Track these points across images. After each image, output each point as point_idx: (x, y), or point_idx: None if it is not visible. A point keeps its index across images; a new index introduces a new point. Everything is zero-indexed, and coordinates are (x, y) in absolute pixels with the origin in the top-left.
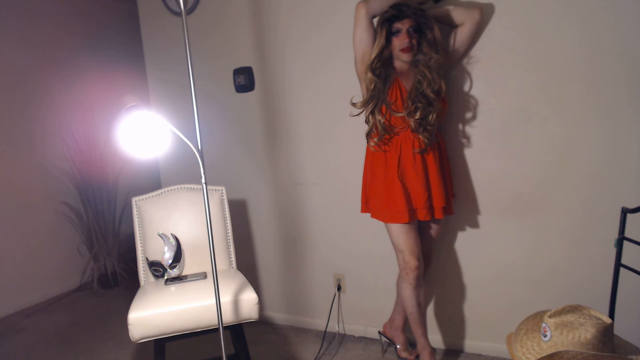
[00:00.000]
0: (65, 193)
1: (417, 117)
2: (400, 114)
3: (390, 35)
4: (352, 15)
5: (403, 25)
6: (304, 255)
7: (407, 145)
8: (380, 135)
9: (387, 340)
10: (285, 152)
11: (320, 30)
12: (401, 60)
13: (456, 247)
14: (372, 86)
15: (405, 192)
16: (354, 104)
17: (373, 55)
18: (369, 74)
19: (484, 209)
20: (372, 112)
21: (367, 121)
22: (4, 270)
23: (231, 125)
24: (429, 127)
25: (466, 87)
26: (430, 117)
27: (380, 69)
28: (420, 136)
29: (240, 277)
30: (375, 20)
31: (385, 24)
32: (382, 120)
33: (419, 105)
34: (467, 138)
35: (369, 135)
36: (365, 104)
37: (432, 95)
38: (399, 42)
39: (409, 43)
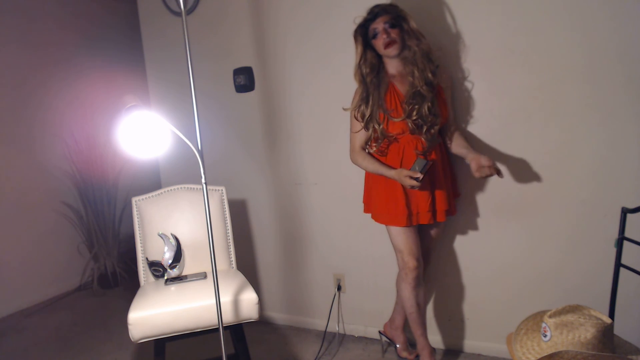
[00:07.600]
0: (65, 193)
1: (414, 118)
2: (399, 119)
3: (370, 40)
4: (352, 15)
5: (378, 25)
6: (304, 255)
7: (409, 149)
8: (379, 141)
9: (387, 340)
10: (285, 152)
11: (320, 30)
12: (389, 57)
13: (456, 246)
14: (361, 91)
15: (405, 197)
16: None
17: (356, 62)
18: (358, 79)
19: (484, 209)
20: (369, 120)
21: (366, 128)
22: (4, 270)
23: (231, 125)
24: (429, 128)
25: (466, 87)
26: (423, 110)
27: (371, 75)
28: (421, 138)
29: (240, 277)
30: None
31: (360, 30)
32: (380, 127)
33: (416, 106)
34: (467, 138)
35: (367, 144)
36: (354, 108)
37: (425, 88)
38: (380, 41)
39: (388, 38)
